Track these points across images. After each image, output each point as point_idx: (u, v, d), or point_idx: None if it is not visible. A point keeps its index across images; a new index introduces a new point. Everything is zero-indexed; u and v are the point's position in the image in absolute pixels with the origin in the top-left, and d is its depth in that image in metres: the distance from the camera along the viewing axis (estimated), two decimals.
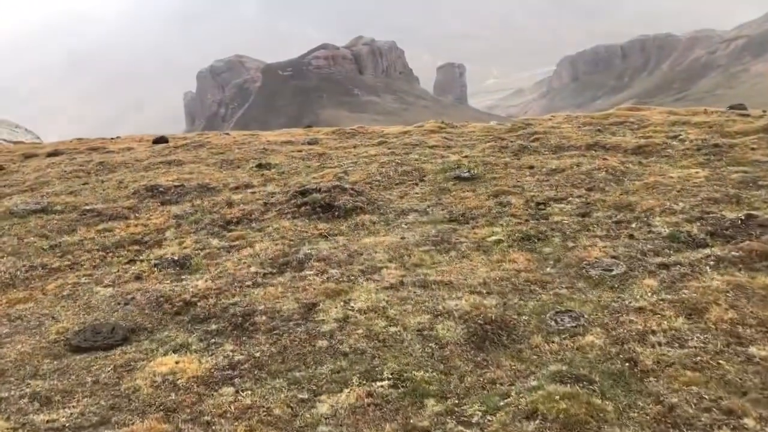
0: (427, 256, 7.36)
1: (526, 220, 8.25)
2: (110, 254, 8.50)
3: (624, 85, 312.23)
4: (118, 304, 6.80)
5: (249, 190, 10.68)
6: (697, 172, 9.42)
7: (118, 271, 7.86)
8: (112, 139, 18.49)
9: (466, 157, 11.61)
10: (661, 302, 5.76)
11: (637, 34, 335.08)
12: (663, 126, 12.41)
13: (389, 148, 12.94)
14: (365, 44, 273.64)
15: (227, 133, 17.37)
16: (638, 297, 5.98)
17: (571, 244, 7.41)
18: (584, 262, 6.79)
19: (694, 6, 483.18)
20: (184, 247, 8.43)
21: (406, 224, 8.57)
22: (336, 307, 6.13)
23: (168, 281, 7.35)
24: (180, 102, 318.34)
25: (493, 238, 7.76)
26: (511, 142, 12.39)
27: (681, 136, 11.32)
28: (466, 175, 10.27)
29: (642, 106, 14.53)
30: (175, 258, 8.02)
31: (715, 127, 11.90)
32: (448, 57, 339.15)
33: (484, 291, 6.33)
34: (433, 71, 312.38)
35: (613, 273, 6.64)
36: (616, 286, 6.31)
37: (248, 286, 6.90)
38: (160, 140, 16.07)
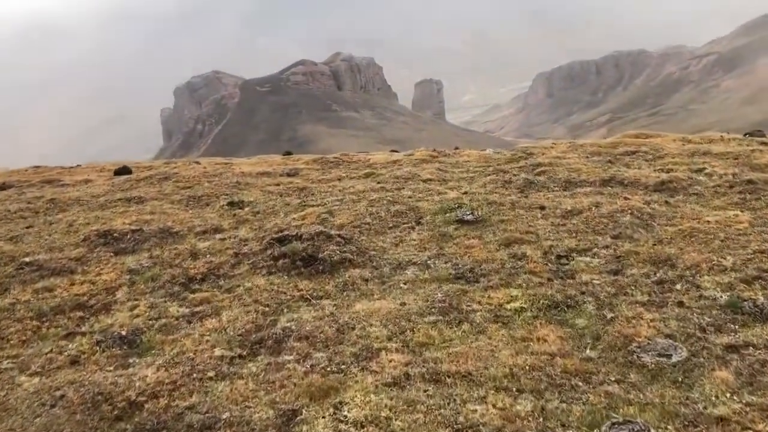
0: (435, 331, 5.97)
1: (549, 279, 6.92)
2: (46, 324, 6.98)
3: (599, 100, 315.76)
4: (43, 405, 5.31)
5: (218, 236, 9.21)
6: (736, 216, 8.20)
7: (52, 350, 6.36)
8: (70, 168, 16.84)
9: (466, 193, 10.27)
10: (748, 409, 4.45)
11: (611, 50, 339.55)
12: (681, 157, 11.21)
13: (378, 182, 11.56)
14: (343, 60, 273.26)
15: (197, 162, 15.83)
16: (714, 399, 4.67)
17: (608, 314, 6.07)
18: (633, 344, 5.47)
19: (665, 23, 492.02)
20: (136, 315, 6.94)
21: (404, 283, 7.18)
22: (324, 417, 4.70)
23: (111, 367, 5.86)
24: (158, 118, 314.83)
25: (513, 305, 6.39)
26: (515, 175, 11.09)
27: (706, 170, 10.13)
28: (470, 217, 8.92)
29: (650, 132, 13.37)
30: (123, 333, 6.54)
31: (741, 158, 10.76)
32: (426, 73, 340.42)
33: (514, 388, 4.96)
34: (411, 87, 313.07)
35: (673, 361, 5.32)
36: (681, 380, 4.99)
37: (210, 379, 5.44)
38: (123, 171, 14.51)
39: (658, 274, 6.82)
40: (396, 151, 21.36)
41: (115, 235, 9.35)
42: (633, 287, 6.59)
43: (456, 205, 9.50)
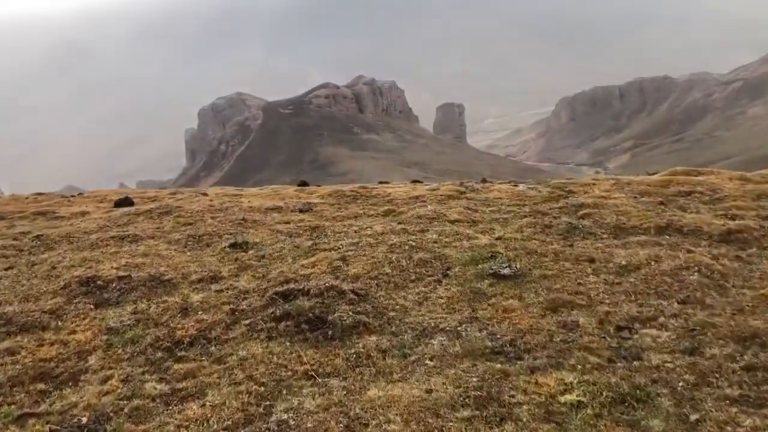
0: None
1: (610, 361, 5.61)
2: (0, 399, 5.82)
3: (622, 125, 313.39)
4: None
5: (215, 286, 8.01)
6: None
7: None
8: (70, 197, 15.78)
9: (499, 239, 8.99)
10: None
11: (635, 75, 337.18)
12: (745, 200, 9.84)
13: (399, 222, 10.31)
14: (366, 84, 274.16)
15: (204, 193, 14.71)
16: None
17: (692, 415, 4.76)
18: None
19: (689, 49, 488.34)
20: (106, 391, 5.74)
21: (430, 358, 5.91)
22: None
23: None
24: (182, 138, 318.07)
25: (568, 397, 5.09)
26: (555, 218, 9.78)
27: None
28: (506, 270, 7.62)
29: (702, 169, 12.00)
30: (84, 421, 5.34)
31: None
32: (448, 97, 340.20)
33: None
34: (432, 110, 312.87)
35: None
36: None
37: None
38: (123, 203, 13.45)
39: (746, 357, 5.48)
40: (418, 182, 20.17)
41: (99, 282, 8.20)
42: (717, 374, 5.26)
43: (489, 254, 8.22)
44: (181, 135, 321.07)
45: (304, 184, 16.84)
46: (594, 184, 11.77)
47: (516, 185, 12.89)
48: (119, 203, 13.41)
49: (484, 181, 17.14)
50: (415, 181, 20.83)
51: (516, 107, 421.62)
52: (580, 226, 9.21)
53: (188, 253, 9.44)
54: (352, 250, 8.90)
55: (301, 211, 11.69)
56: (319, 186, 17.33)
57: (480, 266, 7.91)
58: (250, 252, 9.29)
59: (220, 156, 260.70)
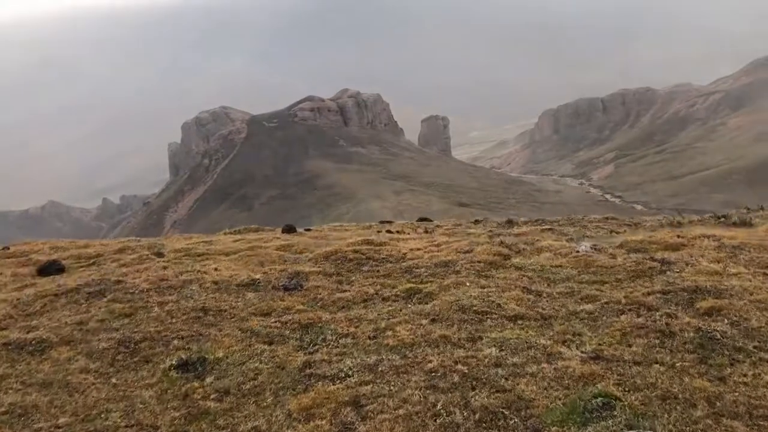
0: None
1: None
2: None
3: (605, 137, 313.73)
4: None
5: None
6: None
7: None
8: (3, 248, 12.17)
9: (599, 358, 5.73)
10: None
11: (617, 87, 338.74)
12: None
13: (432, 318, 7.01)
14: (350, 97, 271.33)
15: (159, 253, 11.19)
16: None
17: None
18: None
19: (671, 61, 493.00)
20: None
21: None
22: None
23: None
24: (165, 152, 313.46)
25: None
26: (669, 315, 6.53)
27: None
28: None
29: None
30: None
31: None
32: (433, 109, 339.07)
33: None
34: (417, 123, 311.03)
35: None
36: None
37: None
38: (50, 268, 10.01)
39: None
40: (427, 220, 16.89)
41: None
42: None
43: (596, 399, 4.98)
44: (164, 148, 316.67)
45: (290, 229, 13.49)
46: (688, 246, 8.54)
47: (572, 240, 9.65)
48: (44, 269, 9.98)
49: (509, 223, 13.92)
50: (422, 219, 17.55)
51: (500, 119, 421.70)
52: (718, 336, 5.97)
53: (113, 380, 6.07)
54: (368, 383, 5.59)
55: (286, 289, 8.36)
56: (308, 230, 14.00)
57: (590, 428, 4.65)
58: (208, 380, 5.94)
59: (204, 170, 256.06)
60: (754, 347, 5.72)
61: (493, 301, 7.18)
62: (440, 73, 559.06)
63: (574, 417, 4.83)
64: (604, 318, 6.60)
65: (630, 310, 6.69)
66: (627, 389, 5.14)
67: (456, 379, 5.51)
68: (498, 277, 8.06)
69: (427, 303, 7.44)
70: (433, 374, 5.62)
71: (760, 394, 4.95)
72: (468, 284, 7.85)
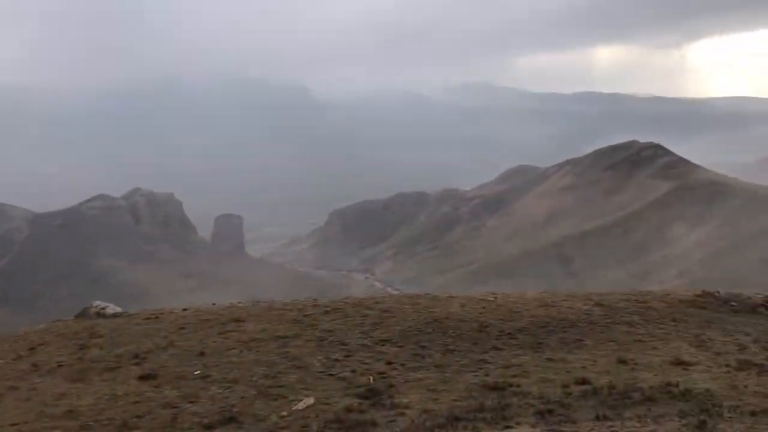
0: None
1: None
2: None
3: (387, 235, 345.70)
4: None
5: None
6: None
7: None
8: None
9: None
10: None
11: (397, 190, 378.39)
12: None
13: None
14: (142, 196, 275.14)
15: None
16: None
17: None
18: None
19: (441, 168, 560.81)
20: None
21: None
22: None
23: None
24: None
25: None
26: None
27: None
28: None
29: None
30: None
31: None
32: (227, 207, 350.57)
33: None
34: (211, 220, 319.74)
35: None
36: None
37: None
38: None
39: None
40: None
41: None
42: None
43: None
44: None
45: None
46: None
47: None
48: None
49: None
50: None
51: (293, 217, 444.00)
52: None
53: None
54: None
55: None
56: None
57: None
58: None
59: None
60: None
61: None
62: (233, 172, 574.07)
63: None
64: None
65: None
66: None
67: None
68: None
69: None
70: None
71: None
72: None
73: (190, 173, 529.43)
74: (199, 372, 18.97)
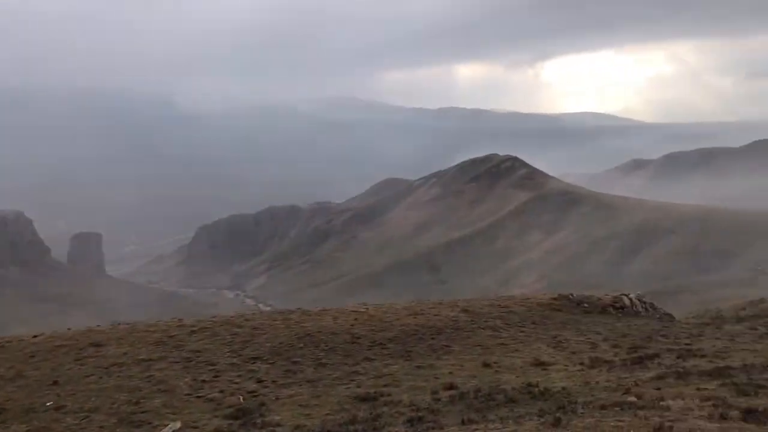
0: None
1: None
2: None
3: (258, 250, 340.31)
4: None
5: None
6: None
7: None
8: None
9: None
10: None
11: (267, 204, 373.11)
12: None
13: None
14: None
15: None
16: None
17: None
18: None
19: (313, 182, 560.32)
20: None
21: None
22: None
23: None
24: None
25: None
26: None
27: None
28: None
29: None
30: None
31: None
32: (85, 226, 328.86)
33: None
34: (67, 240, 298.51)
35: None
36: None
37: None
38: None
39: None
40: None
41: None
42: None
43: None
44: None
45: None
46: None
47: None
48: None
49: None
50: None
51: (157, 234, 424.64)
52: None
53: None
54: None
55: None
56: None
57: None
58: None
59: None
60: None
61: None
62: (93, 186, 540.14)
63: None
64: None
65: None
66: None
67: None
68: None
69: None
70: None
71: None
72: None
73: (41, 190, 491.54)
74: (51, 403, 17.74)
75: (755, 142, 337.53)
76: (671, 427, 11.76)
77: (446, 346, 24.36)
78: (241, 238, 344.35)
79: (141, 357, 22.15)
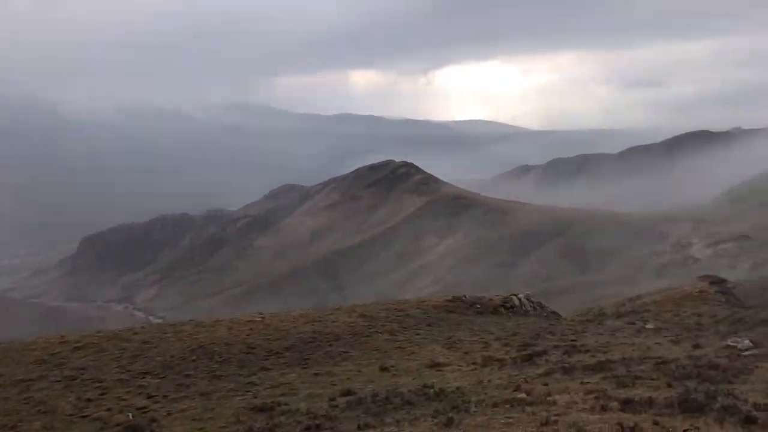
0: None
1: None
2: None
3: (149, 260, 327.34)
4: None
5: None
6: None
7: None
8: None
9: None
10: None
11: (157, 213, 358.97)
12: None
13: None
14: None
15: None
16: None
17: None
18: None
19: (206, 189, 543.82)
20: None
21: None
22: None
23: None
24: None
25: None
26: None
27: None
28: None
29: None
30: None
31: None
32: None
33: None
34: None
35: None
36: None
37: None
38: None
39: None
40: None
41: None
42: None
43: None
44: None
45: None
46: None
47: None
48: None
49: None
50: None
51: (36, 247, 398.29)
52: None
53: None
54: None
55: None
56: None
57: None
58: None
59: None
60: None
61: None
62: None
63: None
64: None
65: None
66: None
67: None
68: None
69: None
70: None
71: None
72: None
73: None
74: None
75: (629, 149, 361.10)
76: (556, 421, 12.35)
77: (344, 351, 24.40)
78: (130, 249, 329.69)
79: (18, 378, 20.68)
